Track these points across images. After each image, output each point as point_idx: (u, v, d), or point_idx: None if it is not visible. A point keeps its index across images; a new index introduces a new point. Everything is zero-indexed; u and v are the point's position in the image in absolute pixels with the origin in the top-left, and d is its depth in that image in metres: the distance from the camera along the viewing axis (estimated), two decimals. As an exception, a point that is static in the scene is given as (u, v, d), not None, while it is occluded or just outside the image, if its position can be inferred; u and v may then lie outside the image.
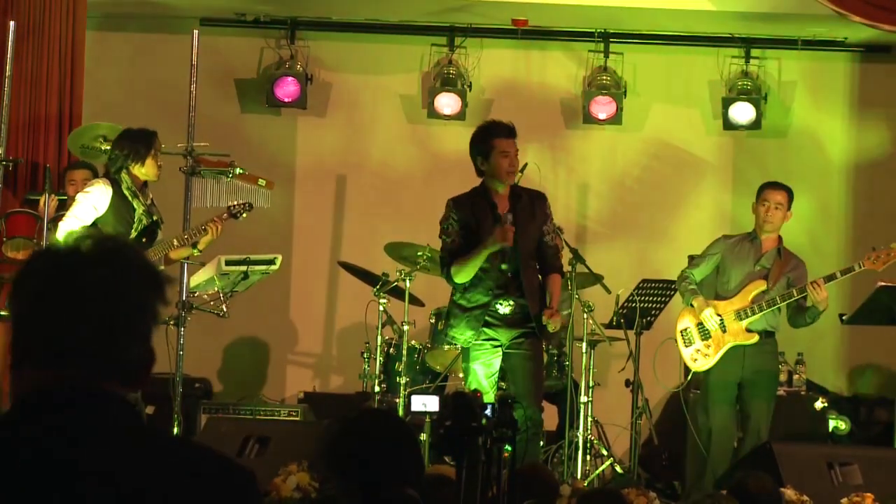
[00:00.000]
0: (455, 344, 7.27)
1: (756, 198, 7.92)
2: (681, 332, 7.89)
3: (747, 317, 7.72)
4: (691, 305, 7.84)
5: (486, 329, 6.98)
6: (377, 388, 8.55)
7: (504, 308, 6.99)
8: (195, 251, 7.53)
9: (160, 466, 1.99)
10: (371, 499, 3.04)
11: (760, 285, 7.76)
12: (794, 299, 7.68)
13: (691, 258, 8.14)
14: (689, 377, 8.01)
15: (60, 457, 1.95)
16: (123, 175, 7.38)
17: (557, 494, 6.02)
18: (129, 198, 7.38)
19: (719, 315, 7.76)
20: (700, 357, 7.79)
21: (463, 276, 6.95)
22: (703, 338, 7.79)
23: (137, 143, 7.40)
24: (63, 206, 7.82)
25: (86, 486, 1.94)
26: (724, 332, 7.75)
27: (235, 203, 7.66)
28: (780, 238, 7.90)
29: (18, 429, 1.98)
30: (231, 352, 10.48)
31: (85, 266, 2.03)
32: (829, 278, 7.59)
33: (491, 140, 6.93)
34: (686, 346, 7.85)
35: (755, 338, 7.74)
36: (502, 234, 6.82)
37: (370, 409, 8.14)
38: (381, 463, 3.09)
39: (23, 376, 2.03)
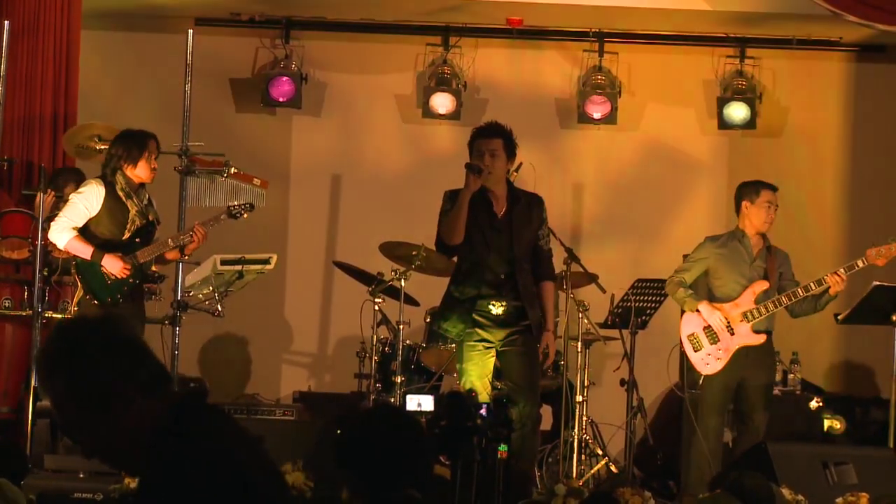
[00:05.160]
0: (448, 337, 7.26)
1: (748, 197, 7.84)
2: (688, 337, 7.80)
3: (754, 318, 7.67)
4: (696, 311, 7.75)
5: (478, 330, 6.98)
6: (372, 388, 8.55)
7: (497, 309, 6.99)
8: (185, 256, 7.56)
9: None
10: (375, 498, 3.02)
11: (763, 285, 7.73)
12: (811, 293, 7.64)
13: (686, 258, 8.11)
14: (701, 381, 7.88)
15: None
16: (118, 176, 7.38)
17: (533, 485, 6.00)
18: (123, 198, 7.37)
19: (725, 318, 7.70)
20: (712, 361, 7.71)
21: (448, 231, 6.96)
22: (713, 341, 7.72)
23: (131, 144, 7.41)
24: (58, 205, 7.81)
25: None
26: (732, 334, 7.70)
27: (236, 203, 7.65)
28: (765, 234, 7.88)
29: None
30: (226, 351, 10.47)
31: None
32: (850, 268, 7.60)
33: (472, 142, 7.07)
34: (696, 351, 7.76)
35: (763, 338, 7.70)
36: (475, 181, 6.87)
37: (384, 406, 8.11)
38: (394, 462, 3.08)
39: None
